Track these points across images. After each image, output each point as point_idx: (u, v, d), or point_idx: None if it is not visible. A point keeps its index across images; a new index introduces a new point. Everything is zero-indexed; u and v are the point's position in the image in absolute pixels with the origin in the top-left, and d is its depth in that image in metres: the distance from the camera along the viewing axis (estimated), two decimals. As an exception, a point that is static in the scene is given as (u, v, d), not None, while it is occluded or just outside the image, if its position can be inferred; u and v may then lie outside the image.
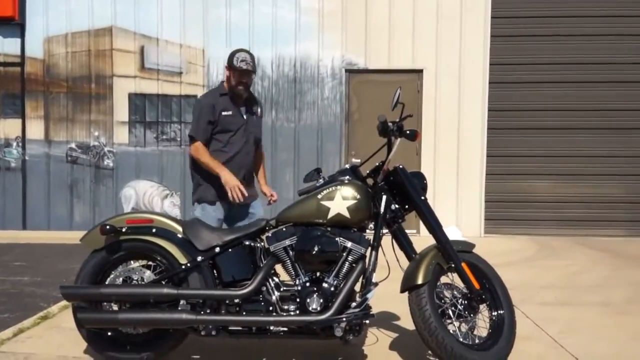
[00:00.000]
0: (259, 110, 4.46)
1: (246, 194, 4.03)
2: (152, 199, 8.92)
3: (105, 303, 3.43)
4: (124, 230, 3.43)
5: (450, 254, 3.47)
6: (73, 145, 9.05)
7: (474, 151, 8.69)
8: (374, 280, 3.41)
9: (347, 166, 3.69)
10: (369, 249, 3.44)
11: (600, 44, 8.60)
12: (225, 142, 4.20)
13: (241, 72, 4.15)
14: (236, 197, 3.97)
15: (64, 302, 4.68)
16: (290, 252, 3.41)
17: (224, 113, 4.18)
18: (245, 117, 4.29)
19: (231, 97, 4.25)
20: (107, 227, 3.39)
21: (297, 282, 3.41)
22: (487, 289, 3.54)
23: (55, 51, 9.01)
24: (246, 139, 4.27)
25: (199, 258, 3.42)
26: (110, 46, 8.97)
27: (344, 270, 3.39)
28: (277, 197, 4.43)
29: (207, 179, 4.17)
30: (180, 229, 3.49)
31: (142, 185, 8.96)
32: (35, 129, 9.06)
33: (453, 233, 3.71)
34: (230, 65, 4.19)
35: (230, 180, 3.98)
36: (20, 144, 9.07)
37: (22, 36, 9.00)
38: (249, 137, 4.30)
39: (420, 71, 8.71)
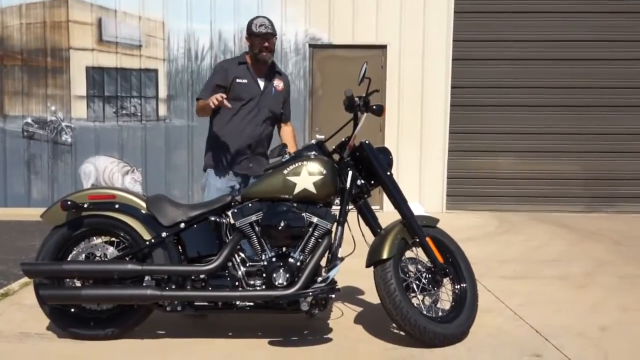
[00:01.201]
0: (281, 84, 4.27)
1: (227, 103, 3.80)
2: (112, 175, 8.76)
3: (67, 279, 3.38)
4: (85, 206, 3.37)
5: (415, 228, 3.51)
6: (29, 120, 8.80)
7: (437, 128, 8.77)
8: (339, 255, 3.43)
9: (313, 142, 3.68)
10: (335, 224, 3.46)
11: (563, 21, 8.69)
12: (236, 111, 4.06)
13: (262, 36, 4.04)
14: (214, 100, 3.77)
15: (24, 279, 4.59)
16: (256, 228, 3.41)
17: (238, 80, 4.07)
18: (262, 88, 4.16)
19: (252, 67, 4.15)
20: (69, 202, 3.33)
21: (263, 257, 3.41)
22: (451, 263, 3.61)
23: (9, 23, 8.70)
24: (259, 110, 4.12)
25: (164, 234, 3.39)
26: (66, 18, 8.70)
27: (310, 245, 3.40)
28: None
29: (216, 144, 4.13)
30: (143, 204, 3.45)
31: (102, 161, 8.78)
32: (-10, 103, 8.78)
33: (416, 209, 3.73)
34: (250, 33, 4.10)
35: (211, 98, 3.82)
36: (-27, 119, 8.78)
37: (-26, 7, 8.67)
38: (263, 109, 4.14)
39: (384, 47, 8.70)
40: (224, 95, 3.81)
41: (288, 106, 4.42)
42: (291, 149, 4.21)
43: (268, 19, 4.13)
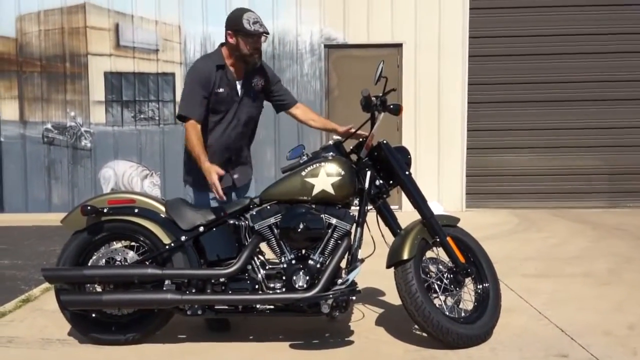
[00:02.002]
0: (261, 80, 3.78)
1: (223, 197, 3.50)
2: (131, 179, 8.82)
3: (88, 285, 3.39)
4: (105, 210, 3.39)
5: (435, 228, 3.48)
6: (49, 126, 8.89)
7: (455, 126, 8.70)
8: (359, 256, 3.42)
9: (330, 142, 3.66)
10: (354, 225, 3.44)
11: (579, 15, 8.59)
12: (213, 125, 3.68)
13: (257, 35, 3.55)
14: (215, 194, 3.48)
15: (45, 285, 4.62)
16: (275, 230, 3.40)
17: (217, 90, 3.61)
18: (240, 94, 3.70)
19: (230, 68, 3.67)
20: (89, 207, 3.35)
21: (283, 259, 3.39)
22: (472, 262, 3.57)
23: (27, 29, 8.79)
24: (238, 120, 3.72)
25: (183, 238, 3.39)
26: (84, 24, 8.77)
27: (330, 247, 3.38)
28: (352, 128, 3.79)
29: (190, 160, 3.70)
30: (162, 208, 3.45)
31: (121, 165, 8.84)
32: (10, 110, 8.86)
33: (435, 208, 3.69)
34: (238, 30, 3.55)
35: (209, 176, 3.46)
36: (-6, 125, 8.88)
37: (-7, 15, 8.77)
38: (242, 117, 3.73)
39: (399, 45, 8.65)
40: (219, 189, 3.44)
41: (284, 91, 3.99)
42: (321, 120, 4.08)
43: (258, 15, 3.62)
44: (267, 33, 3.63)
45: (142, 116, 8.86)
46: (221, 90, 3.63)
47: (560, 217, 8.00)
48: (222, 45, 3.75)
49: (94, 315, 3.41)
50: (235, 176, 3.84)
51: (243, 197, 3.77)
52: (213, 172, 3.46)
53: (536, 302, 4.27)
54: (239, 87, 3.72)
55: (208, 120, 3.68)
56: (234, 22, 3.58)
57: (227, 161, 3.77)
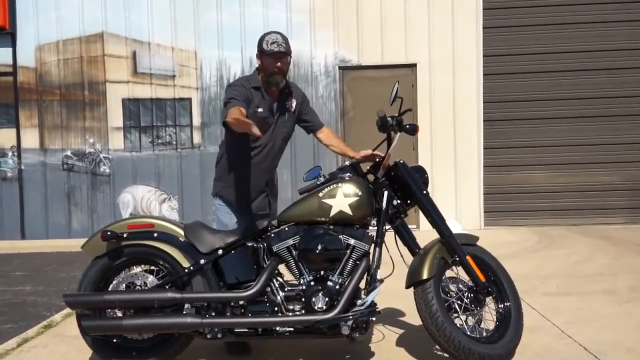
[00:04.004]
0: (293, 103, 3.87)
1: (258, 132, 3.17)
2: (149, 203, 8.89)
3: (109, 310, 3.40)
4: (125, 235, 3.41)
5: (455, 247, 3.46)
6: (69, 153, 9.01)
7: (471, 144, 8.69)
8: (378, 277, 3.40)
9: (347, 163, 3.67)
10: (373, 245, 3.42)
11: (593, 32, 8.59)
12: (256, 147, 3.74)
13: (274, 55, 3.62)
14: (256, 132, 3.11)
15: (67, 310, 4.66)
16: (294, 252, 3.39)
17: (257, 110, 3.65)
18: (276, 116, 3.78)
19: (265, 91, 3.74)
20: (108, 233, 3.37)
21: (302, 281, 3.38)
22: (493, 281, 3.53)
23: (47, 59, 8.97)
24: (274, 142, 3.81)
25: (202, 261, 3.40)
26: (102, 52, 8.93)
27: (348, 268, 3.37)
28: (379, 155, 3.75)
29: (234, 179, 3.79)
30: (181, 232, 3.46)
31: (139, 190, 8.92)
32: (30, 138, 9.02)
33: (453, 226, 3.67)
34: (261, 51, 3.67)
35: (247, 122, 3.15)
36: (15, 154, 9.03)
37: (14, 45, 8.96)
38: (277, 139, 3.82)
39: (414, 65, 8.69)
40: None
41: (312, 114, 4.07)
42: (340, 147, 4.04)
43: (282, 35, 3.69)
44: (285, 52, 3.65)
45: (159, 141, 8.95)
46: (261, 109, 3.69)
47: (580, 233, 7.92)
48: (257, 69, 3.83)
49: (115, 340, 3.41)
50: (270, 201, 3.96)
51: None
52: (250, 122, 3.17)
53: (559, 320, 4.22)
54: (274, 108, 3.78)
55: (248, 144, 3.71)
56: (259, 44, 3.71)
57: (265, 185, 3.89)
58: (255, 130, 3.09)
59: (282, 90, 3.79)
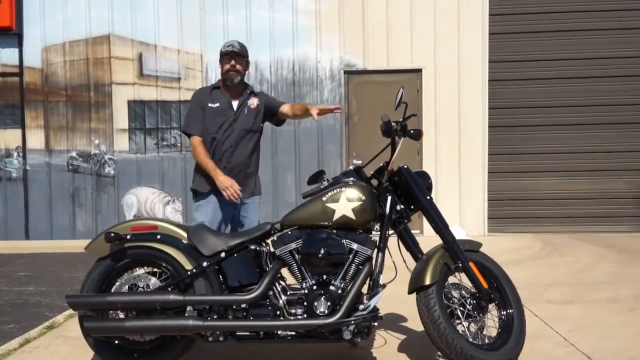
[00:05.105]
0: (255, 101, 4.30)
1: (240, 194, 4.03)
2: (153, 205, 8.91)
3: (111, 311, 3.40)
4: (128, 237, 3.41)
5: (458, 253, 3.45)
6: (74, 154, 9.04)
7: (476, 149, 8.67)
8: (381, 282, 3.39)
9: (351, 167, 3.67)
10: (375, 250, 3.42)
11: (600, 39, 8.58)
12: (214, 137, 4.17)
13: (229, 54, 4.15)
14: (231, 195, 3.99)
15: (69, 311, 4.66)
16: (296, 256, 3.39)
17: (210, 104, 4.18)
18: (235, 109, 4.22)
19: (224, 89, 4.24)
20: (112, 234, 3.37)
21: (304, 285, 3.38)
22: (496, 288, 3.52)
23: (53, 60, 9.00)
24: (232, 130, 4.19)
25: (205, 263, 3.39)
26: (108, 54, 8.96)
27: (351, 272, 3.36)
28: (335, 108, 4.12)
29: (202, 174, 4.20)
30: (185, 234, 3.46)
31: (143, 192, 8.94)
32: (36, 139, 9.05)
33: (457, 232, 3.66)
34: (220, 55, 4.22)
35: (224, 181, 4.01)
36: (21, 154, 9.06)
37: (20, 46, 9.00)
38: (236, 129, 4.20)
39: (419, 70, 8.69)
40: (236, 188, 4.00)
41: (273, 101, 4.47)
42: (301, 107, 4.27)
43: (238, 42, 4.23)
44: (238, 53, 4.17)
45: (164, 143, 8.97)
46: (216, 105, 4.20)
47: (584, 241, 7.89)
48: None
49: (116, 341, 3.41)
50: (240, 194, 4.10)
51: (245, 214, 4.21)
52: (229, 182, 4.02)
53: (562, 328, 4.20)
54: (234, 104, 4.23)
55: (209, 133, 4.18)
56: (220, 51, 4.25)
57: (227, 173, 4.12)
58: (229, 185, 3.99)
59: (245, 90, 4.30)
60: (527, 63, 8.63)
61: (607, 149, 8.61)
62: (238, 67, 4.19)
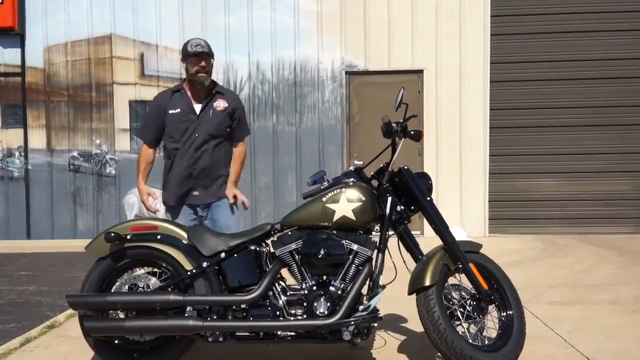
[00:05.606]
0: (222, 104, 4.12)
1: (156, 206, 4.19)
2: (154, 205, 8.88)
3: (111, 311, 3.41)
4: (128, 237, 3.41)
5: (458, 254, 3.45)
6: (75, 154, 9.05)
7: (477, 151, 8.67)
8: (381, 282, 3.39)
9: (352, 168, 3.67)
10: (375, 251, 3.42)
11: (601, 40, 8.58)
12: (175, 141, 4.06)
13: (198, 55, 3.97)
14: (148, 207, 4.16)
15: (70, 311, 4.66)
16: (296, 256, 3.39)
17: (170, 111, 4.02)
18: (198, 113, 4.04)
19: (188, 91, 4.07)
20: (112, 234, 3.37)
21: (304, 286, 3.38)
22: (496, 289, 3.52)
23: (55, 60, 9.01)
24: (197, 136, 4.01)
25: (205, 264, 3.40)
26: (110, 54, 8.97)
27: (351, 273, 3.36)
28: (243, 201, 4.18)
29: (167, 181, 4.17)
30: (185, 235, 3.47)
31: (144, 192, 8.92)
32: (37, 139, 9.07)
33: (458, 233, 3.67)
34: (184, 54, 4.03)
35: (141, 191, 4.19)
36: (22, 154, 9.07)
37: (22, 46, 9.01)
38: (200, 134, 4.02)
39: (420, 71, 8.69)
40: (152, 197, 4.14)
41: (240, 124, 4.27)
42: (233, 174, 4.21)
43: (204, 40, 4.06)
44: (208, 54, 4.02)
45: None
46: (177, 110, 4.03)
47: (585, 242, 7.89)
48: (183, 79, 4.20)
49: (116, 341, 3.41)
50: (195, 193, 4.08)
51: (211, 216, 4.11)
52: (144, 193, 4.16)
53: (562, 330, 4.20)
54: (197, 107, 4.07)
55: (170, 138, 4.08)
56: (183, 48, 4.06)
57: (188, 177, 4.06)
58: (144, 199, 4.22)
59: (211, 91, 4.12)
60: (529, 64, 8.63)
61: (608, 150, 8.60)
62: (208, 68, 4.05)
